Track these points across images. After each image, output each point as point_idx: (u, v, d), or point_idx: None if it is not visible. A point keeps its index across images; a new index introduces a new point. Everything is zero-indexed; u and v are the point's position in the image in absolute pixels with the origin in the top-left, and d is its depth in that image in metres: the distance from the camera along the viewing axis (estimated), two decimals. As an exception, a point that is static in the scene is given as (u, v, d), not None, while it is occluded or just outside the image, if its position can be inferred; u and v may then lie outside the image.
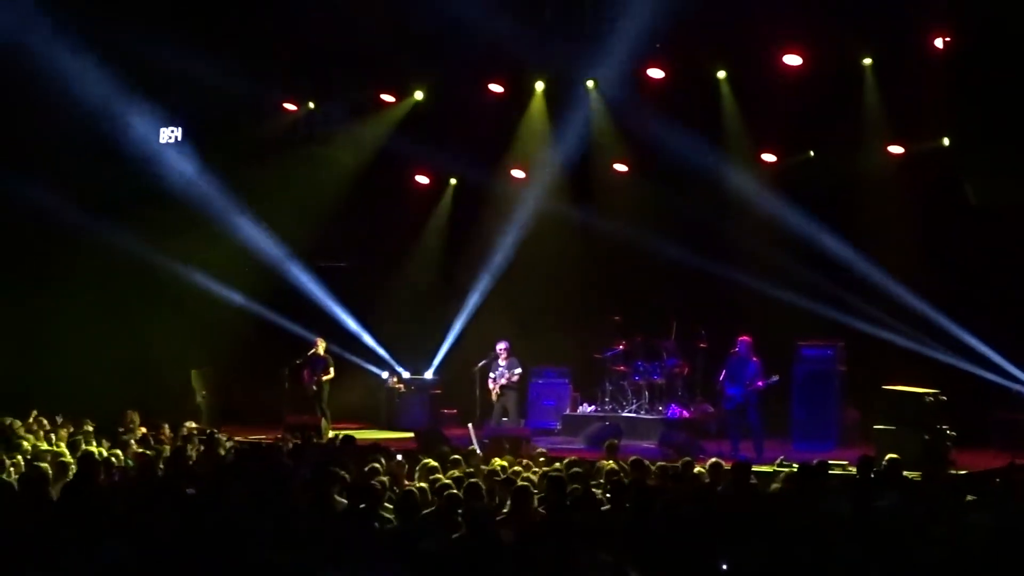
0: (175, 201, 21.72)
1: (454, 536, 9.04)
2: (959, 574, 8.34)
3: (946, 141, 19.34)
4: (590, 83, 21.27)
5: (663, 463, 13.06)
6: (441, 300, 23.78)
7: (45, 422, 16.38)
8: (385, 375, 23.11)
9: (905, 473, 12.44)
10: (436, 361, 23.25)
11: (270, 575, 8.14)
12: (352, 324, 23.27)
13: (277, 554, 8.59)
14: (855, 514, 9.98)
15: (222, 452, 14.75)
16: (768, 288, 20.11)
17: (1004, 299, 18.84)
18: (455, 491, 10.37)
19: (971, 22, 17.65)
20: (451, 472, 12.15)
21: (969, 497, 10.45)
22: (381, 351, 23.41)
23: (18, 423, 15.63)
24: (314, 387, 20.87)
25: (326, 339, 21.48)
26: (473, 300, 23.37)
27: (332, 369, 21.08)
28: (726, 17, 18.61)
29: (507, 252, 23.26)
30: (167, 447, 14.73)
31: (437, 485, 10.69)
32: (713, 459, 12.90)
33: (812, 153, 20.85)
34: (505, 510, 10.13)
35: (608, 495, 11.01)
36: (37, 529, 9.06)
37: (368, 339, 23.38)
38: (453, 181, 24.26)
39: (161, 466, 12.97)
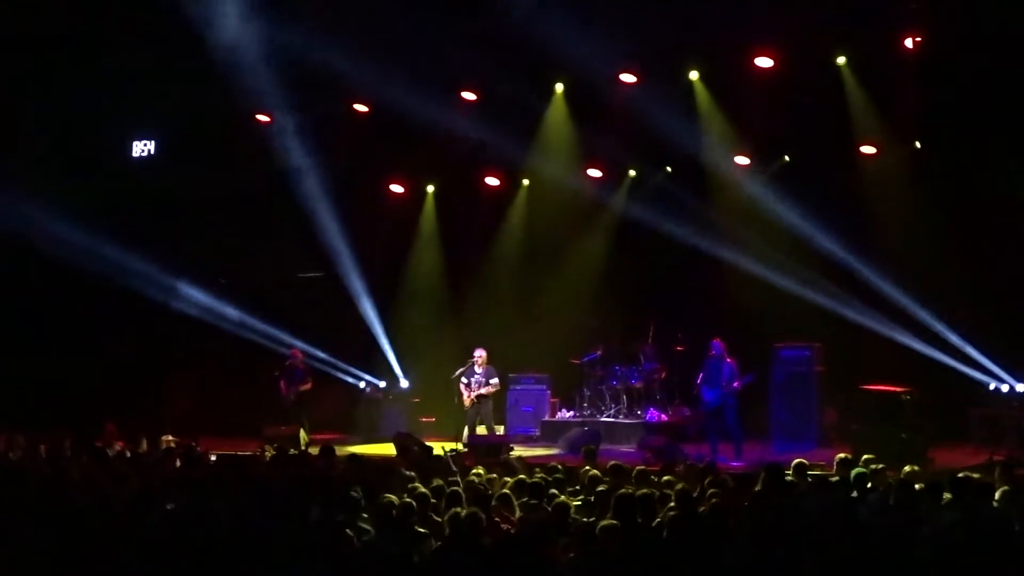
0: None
1: (435, 545, 9.02)
2: (936, 573, 8.35)
3: (918, 144, 19.48)
4: (559, 87, 21.31)
5: (642, 467, 13.04)
6: (420, 308, 23.77)
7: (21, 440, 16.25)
8: (363, 385, 23.05)
9: (883, 472, 12.47)
10: (398, 370, 23.20)
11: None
12: (319, 338, 23.12)
13: (259, 568, 8.57)
14: (834, 515, 9.99)
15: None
16: (744, 290, 20.21)
17: (984, 296, 18.92)
18: (435, 500, 10.37)
19: (943, 22, 17.73)
20: (434, 482, 12.11)
21: (946, 495, 10.46)
22: (345, 364, 23.34)
23: None
24: (292, 398, 20.79)
25: (303, 350, 21.45)
26: (452, 307, 23.45)
27: (310, 380, 21.03)
28: (699, 19, 18.60)
29: (485, 259, 23.38)
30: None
31: (416, 493, 10.65)
32: (685, 463, 12.97)
33: (787, 158, 20.96)
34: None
35: (587, 500, 11.00)
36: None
37: (327, 355, 23.25)
38: (431, 189, 24.24)
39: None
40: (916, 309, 19.06)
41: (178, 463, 14.77)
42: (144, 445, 16.42)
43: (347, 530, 9.19)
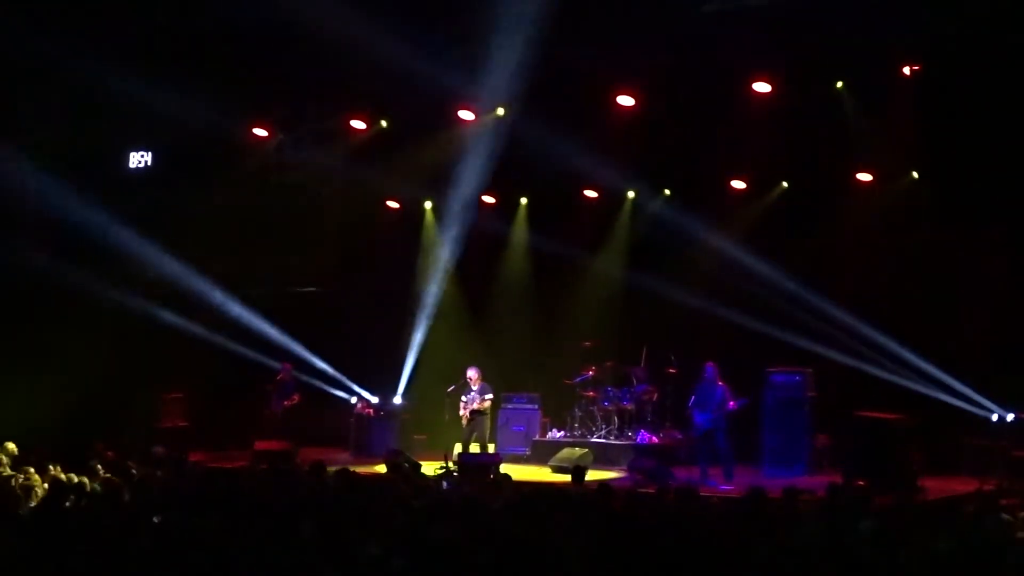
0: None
1: (423, 559, 8.98)
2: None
3: (915, 174, 19.52)
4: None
5: (632, 489, 13.01)
6: (412, 324, 23.72)
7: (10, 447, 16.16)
8: (354, 400, 22.96)
9: (874, 499, 12.45)
10: (403, 386, 23.09)
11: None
12: (316, 352, 23.02)
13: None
14: (824, 542, 9.96)
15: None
16: (737, 315, 20.20)
17: (969, 329, 18.97)
18: (424, 515, 10.34)
19: (939, 51, 17.74)
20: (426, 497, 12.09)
21: (937, 524, 10.44)
22: (344, 378, 23.24)
23: None
24: (281, 412, 20.73)
25: (293, 365, 21.43)
26: (444, 325, 23.41)
27: (297, 395, 20.97)
28: (697, 43, 18.59)
29: (478, 277, 23.36)
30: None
31: (410, 508, 10.63)
32: (681, 486, 12.91)
33: (785, 184, 20.98)
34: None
35: (575, 520, 10.96)
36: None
37: (329, 367, 23.13)
38: (428, 205, 24.20)
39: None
40: (904, 346, 19.10)
41: (167, 475, 14.71)
42: (133, 457, 16.32)
43: (347, 546, 9.16)
